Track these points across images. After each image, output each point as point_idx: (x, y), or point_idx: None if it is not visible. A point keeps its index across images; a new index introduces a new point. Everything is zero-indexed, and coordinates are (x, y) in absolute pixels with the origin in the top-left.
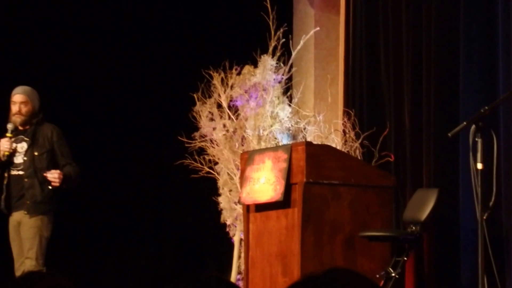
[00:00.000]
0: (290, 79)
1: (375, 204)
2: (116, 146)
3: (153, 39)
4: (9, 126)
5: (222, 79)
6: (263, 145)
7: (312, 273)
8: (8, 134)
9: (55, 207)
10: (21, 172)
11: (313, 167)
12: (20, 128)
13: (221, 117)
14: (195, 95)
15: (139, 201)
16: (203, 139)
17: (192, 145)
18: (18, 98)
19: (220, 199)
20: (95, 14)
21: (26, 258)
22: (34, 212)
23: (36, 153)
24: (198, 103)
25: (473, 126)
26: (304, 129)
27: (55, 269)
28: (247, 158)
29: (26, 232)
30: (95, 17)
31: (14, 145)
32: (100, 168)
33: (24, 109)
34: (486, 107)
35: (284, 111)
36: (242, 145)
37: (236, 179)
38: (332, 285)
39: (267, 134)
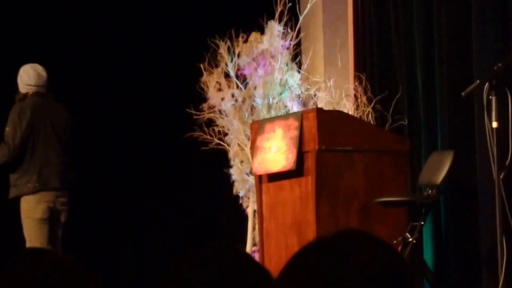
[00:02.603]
0: (298, 45)
1: (389, 169)
2: (123, 120)
3: (156, 8)
4: None
5: (228, 48)
6: (273, 113)
7: (324, 235)
8: None
9: (30, 189)
10: None
11: (325, 134)
12: None
13: (229, 87)
14: (201, 66)
15: (149, 176)
16: (212, 110)
17: (200, 117)
18: None
19: (232, 170)
20: None
21: None
22: (12, 194)
23: None
24: (205, 73)
25: (487, 84)
26: (315, 95)
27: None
28: (257, 128)
29: None
30: None
31: None
32: (109, 143)
33: None
34: (500, 64)
35: (294, 78)
36: (252, 115)
37: (247, 149)
38: (344, 246)
39: (276, 103)
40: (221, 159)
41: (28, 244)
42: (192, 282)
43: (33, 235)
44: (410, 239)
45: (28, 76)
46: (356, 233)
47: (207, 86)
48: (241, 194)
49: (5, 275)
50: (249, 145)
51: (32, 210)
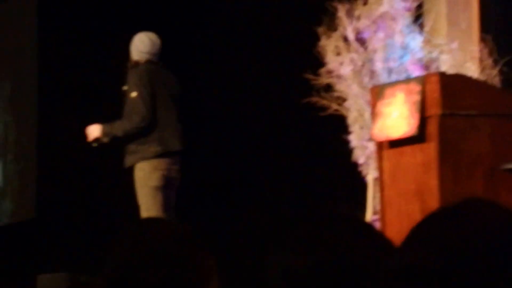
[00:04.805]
0: (420, 6)
1: None
2: (240, 85)
3: None
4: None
5: (347, 11)
6: (393, 78)
7: (447, 205)
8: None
9: (152, 153)
10: None
11: (448, 99)
12: None
13: (348, 51)
14: (319, 30)
15: (266, 142)
16: (330, 75)
17: (318, 81)
18: None
19: (351, 137)
20: None
21: None
22: (129, 163)
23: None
24: (323, 37)
25: None
26: (437, 58)
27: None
28: (377, 93)
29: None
30: None
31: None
32: (226, 108)
33: None
34: None
35: (415, 41)
36: (372, 79)
37: (367, 115)
38: (469, 216)
39: (397, 66)
40: (340, 125)
41: (143, 213)
42: (308, 252)
43: (149, 203)
44: None
45: (143, 43)
46: (481, 202)
47: (325, 51)
48: (360, 161)
49: (123, 245)
50: (368, 111)
51: (147, 178)
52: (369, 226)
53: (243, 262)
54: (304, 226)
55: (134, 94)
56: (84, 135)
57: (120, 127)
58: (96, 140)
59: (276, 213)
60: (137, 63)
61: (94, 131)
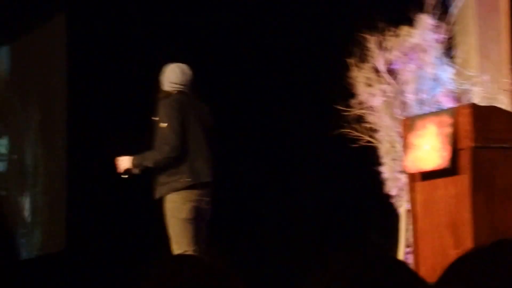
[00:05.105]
0: (451, 38)
1: None
2: (271, 117)
3: (306, 2)
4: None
5: (378, 42)
6: (425, 109)
7: (479, 246)
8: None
9: (183, 184)
10: None
11: (480, 131)
12: None
13: (379, 82)
14: (350, 61)
15: (298, 174)
16: (361, 107)
17: (350, 113)
18: None
19: (383, 168)
20: None
21: None
22: (159, 194)
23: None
24: (354, 68)
25: None
26: (469, 90)
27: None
28: (409, 124)
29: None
30: None
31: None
32: (256, 140)
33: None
34: None
35: (446, 73)
36: (403, 111)
37: (399, 147)
38: (502, 256)
39: (429, 98)
40: (371, 156)
41: (174, 245)
42: None
43: (179, 235)
44: None
45: (174, 74)
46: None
47: (357, 82)
48: (393, 193)
49: (152, 282)
50: (400, 142)
51: (178, 210)
52: (403, 264)
53: None
54: (339, 265)
55: (164, 124)
56: (114, 166)
57: (150, 158)
58: (127, 171)
59: (307, 244)
60: (168, 94)
61: (124, 162)
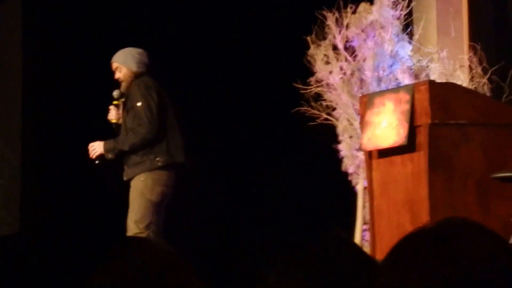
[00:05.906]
0: (409, 14)
1: (508, 143)
2: (228, 95)
3: None
4: (114, 94)
5: (336, 19)
6: (383, 87)
7: (425, 225)
8: (115, 102)
9: (159, 163)
10: None
11: (438, 108)
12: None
13: (337, 59)
14: (308, 38)
15: (255, 152)
16: (319, 84)
17: (308, 91)
18: (112, 66)
19: (341, 146)
20: None
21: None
22: (132, 174)
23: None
24: (312, 46)
25: None
26: (427, 67)
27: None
28: (366, 102)
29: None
30: None
31: (120, 112)
32: (215, 120)
33: (118, 75)
34: None
35: (405, 49)
36: (361, 88)
37: (356, 124)
38: (447, 236)
39: (387, 75)
40: (329, 134)
41: (131, 224)
42: (296, 273)
43: (141, 216)
44: None
45: (141, 55)
46: (461, 222)
47: (315, 59)
48: (350, 171)
49: (108, 265)
50: (358, 120)
51: (149, 190)
52: (356, 246)
53: (234, 285)
54: (293, 249)
55: (139, 104)
56: (87, 152)
57: (126, 141)
58: (100, 157)
59: (267, 222)
60: (138, 74)
61: (97, 147)
